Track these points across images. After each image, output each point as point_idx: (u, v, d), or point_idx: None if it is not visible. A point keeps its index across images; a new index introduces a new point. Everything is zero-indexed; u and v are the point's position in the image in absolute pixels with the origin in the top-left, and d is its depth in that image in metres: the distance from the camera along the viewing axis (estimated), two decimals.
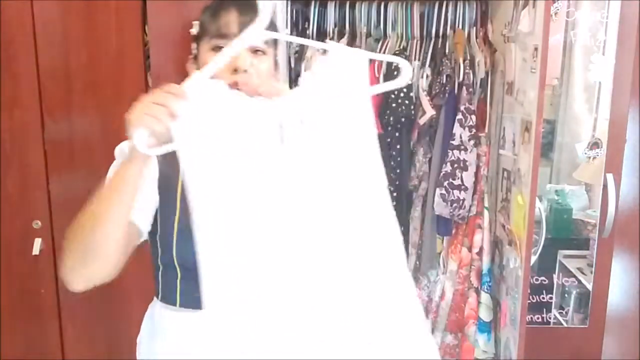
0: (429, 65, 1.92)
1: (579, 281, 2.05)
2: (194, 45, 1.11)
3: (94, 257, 0.92)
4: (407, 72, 0.97)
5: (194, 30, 1.10)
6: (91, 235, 0.90)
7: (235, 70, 1.01)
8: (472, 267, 1.94)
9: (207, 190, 0.88)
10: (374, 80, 1.83)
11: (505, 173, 1.85)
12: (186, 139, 0.86)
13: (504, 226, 1.85)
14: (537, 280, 2.05)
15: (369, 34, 1.97)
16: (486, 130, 1.93)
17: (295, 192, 0.92)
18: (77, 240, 0.92)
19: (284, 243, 0.91)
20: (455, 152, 1.87)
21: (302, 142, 0.92)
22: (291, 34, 1.85)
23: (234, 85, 0.99)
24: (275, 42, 1.11)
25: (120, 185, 0.90)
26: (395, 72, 1.88)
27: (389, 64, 1.91)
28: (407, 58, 1.92)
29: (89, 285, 0.97)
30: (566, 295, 2.07)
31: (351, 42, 1.93)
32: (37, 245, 1.88)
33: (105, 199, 0.91)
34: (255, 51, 1.05)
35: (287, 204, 0.91)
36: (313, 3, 1.93)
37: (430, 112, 1.86)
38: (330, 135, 0.93)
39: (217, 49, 1.03)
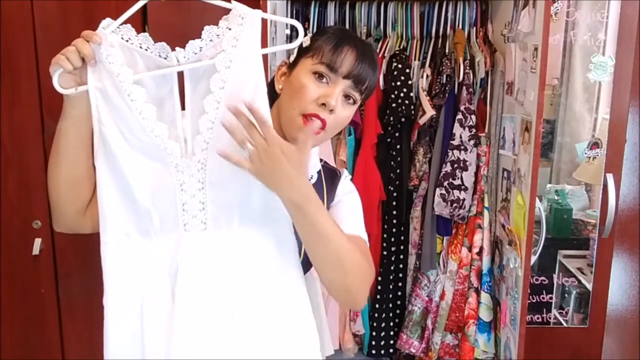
0: (429, 65, 1.92)
1: (579, 281, 2.05)
2: (295, 54, 1.07)
3: (54, 200, 1.01)
4: (301, 34, 0.98)
5: (306, 42, 1.03)
6: (49, 177, 0.99)
7: (323, 105, 0.99)
8: (472, 267, 1.94)
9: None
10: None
11: (505, 173, 1.85)
12: (96, 83, 0.92)
13: (504, 226, 1.85)
14: (537, 280, 2.05)
15: (369, 34, 1.98)
16: (486, 130, 1.93)
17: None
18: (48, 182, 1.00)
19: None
20: (455, 152, 1.87)
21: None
22: (291, 34, 1.85)
23: (313, 116, 0.98)
24: (366, 97, 1.07)
25: (57, 132, 0.97)
26: (395, 72, 1.89)
27: (389, 64, 1.92)
28: (407, 58, 1.92)
29: (65, 228, 1.04)
30: (566, 295, 2.07)
31: None
32: (37, 245, 1.87)
33: (52, 148, 0.99)
34: (347, 96, 1.02)
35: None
36: (313, 3, 1.93)
37: (430, 112, 1.86)
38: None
39: (319, 76, 0.99)
